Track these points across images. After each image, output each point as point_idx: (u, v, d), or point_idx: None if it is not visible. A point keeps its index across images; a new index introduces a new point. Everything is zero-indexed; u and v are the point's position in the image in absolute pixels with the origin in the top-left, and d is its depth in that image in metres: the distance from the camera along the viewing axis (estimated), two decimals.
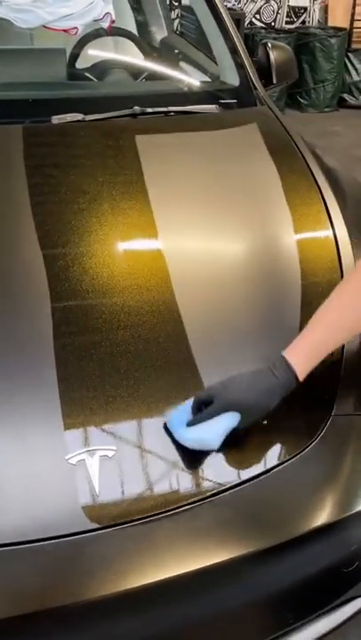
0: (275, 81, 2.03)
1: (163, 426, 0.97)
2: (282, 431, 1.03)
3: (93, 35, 2.05)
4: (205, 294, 1.17)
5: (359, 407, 1.08)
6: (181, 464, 0.95)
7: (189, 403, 0.97)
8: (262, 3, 5.91)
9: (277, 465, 0.98)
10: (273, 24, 5.99)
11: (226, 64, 1.91)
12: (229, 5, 5.16)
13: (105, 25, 1.76)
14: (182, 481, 0.94)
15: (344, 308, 0.99)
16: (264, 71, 2.02)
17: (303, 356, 0.97)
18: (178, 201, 1.37)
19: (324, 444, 1.03)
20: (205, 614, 0.92)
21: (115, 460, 0.92)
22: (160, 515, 0.90)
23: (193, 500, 0.92)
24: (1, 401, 0.96)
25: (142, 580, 0.84)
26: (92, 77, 2.04)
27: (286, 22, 6.04)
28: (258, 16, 5.95)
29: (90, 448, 0.92)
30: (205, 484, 0.94)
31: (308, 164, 1.51)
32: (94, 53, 2.09)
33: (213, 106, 1.70)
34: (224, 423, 0.93)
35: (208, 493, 0.93)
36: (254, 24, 5.90)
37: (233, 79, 1.86)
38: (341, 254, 1.29)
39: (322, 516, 0.97)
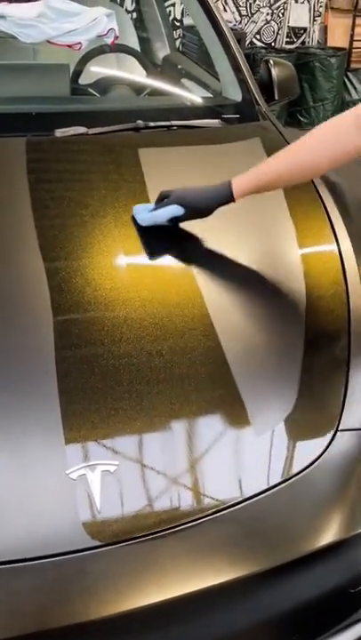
0: (277, 97, 2.04)
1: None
2: (286, 447, 1.01)
3: (97, 51, 2.07)
4: (208, 307, 1.16)
5: None
6: (185, 480, 0.93)
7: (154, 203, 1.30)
8: (263, 23, 5.99)
9: (282, 482, 0.96)
10: (273, 44, 6.06)
11: (228, 80, 1.92)
12: (230, 25, 5.22)
13: (109, 41, 1.77)
14: (186, 497, 0.92)
15: (296, 154, 1.24)
16: (266, 87, 2.04)
17: (244, 182, 1.24)
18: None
19: (329, 460, 1.00)
20: (209, 635, 0.90)
21: (117, 476, 0.90)
22: (163, 532, 0.87)
23: (197, 516, 0.89)
24: (1, 414, 0.94)
25: (145, 601, 0.82)
26: (95, 93, 2.06)
27: (286, 42, 6.12)
28: (258, 36, 6.03)
29: (91, 463, 0.90)
30: (209, 501, 0.92)
31: (312, 180, 1.51)
32: (97, 69, 2.11)
33: (216, 120, 1.71)
34: (171, 211, 1.28)
35: (212, 510, 0.90)
36: (255, 44, 5.97)
37: (235, 95, 1.87)
38: (346, 268, 1.28)
39: (327, 535, 0.94)
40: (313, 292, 1.24)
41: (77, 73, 2.12)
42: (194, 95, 1.95)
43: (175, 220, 1.28)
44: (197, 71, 2.37)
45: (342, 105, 5.78)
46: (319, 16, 6.20)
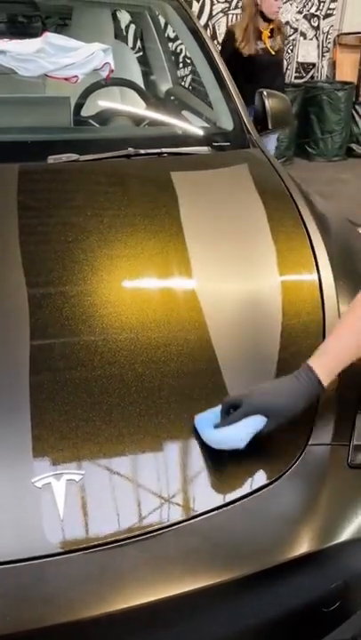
0: (270, 126, 2.10)
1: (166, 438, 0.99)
2: (255, 460, 1.01)
3: (97, 85, 2.16)
4: (185, 331, 1.17)
5: (337, 437, 1.07)
6: (149, 490, 0.94)
7: (218, 408, 1.03)
8: None
9: (249, 494, 0.96)
10: None
11: (221, 110, 1.99)
12: None
13: (104, 74, 1.85)
14: (149, 507, 0.93)
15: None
16: (260, 118, 2.10)
17: (326, 362, 1.02)
18: (163, 239, 1.38)
19: (298, 474, 1.01)
20: None
21: (81, 485, 0.92)
22: (124, 541, 0.88)
23: (159, 527, 0.90)
24: None
25: (102, 609, 0.82)
26: (95, 124, 2.14)
27: (295, 77, 6.27)
28: None
29: (57, 472, 0.92)
30: (173, 511, 0.93)
31: (297, 207, 1.53)
32: (97, 102, 2.20)
33: (206, 148, 1.76)
34: (251, 425, 0.99)
35: (175, 521, 0.91)
36: None
37: (227, 124, 1.93)
38: (325, 298, 1.27)
39: (295, 548, 0.94)
40: (289, 320, 1.23)
41: (79, 105, 2.21)
42: (186, 124, 2.01)
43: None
44: (196, 103, 2.45)
45: (350, 137, 5.89)
46: (328, 52, 6.36)
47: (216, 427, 1.00)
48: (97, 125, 2.12)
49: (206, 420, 1.01)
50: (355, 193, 4.81)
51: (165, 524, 0.91)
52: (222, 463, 0.99)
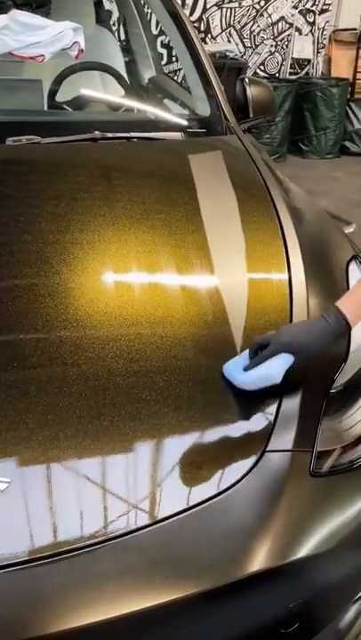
0: (251, 115, 2.01)
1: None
2: (206, 467, 0.92)
3: (71, 69, 2.06)
4: (142, 330, 1.07)
5: (299, 443, 0.97)
6: (85, 500, 0.85)
7: (245, 353, 1.01)
8: (267, 55, 6.06)
9: (195, 505, 0.87)
10: (277, 75, 6.12)
11: (198, 95, 1.89)
12: (232, 55, 5.28)
13: (73, 54, 1.75)
14: (83, 520, 0.83)
15: None
16: (241, 106, 2.01)
17: (353, 303, 1.01)
18: (123, 228, 1.28)
19: (253, 483, 0.91)
20: None
21: (7, 494, 0.82)
22: (53, 557, 0.79)
23: (93, 542, 0.81)
24: None
25: (25, 634, 0.73)
26: (69, 109, 2.04)
27: (290, 73, 6.18)
28: (262, 67, 6.10)
29: None
30: (109, 525, 0.83)
31: (271, 197, 1.43)
32: (72, 87, 2.10)
33: (179, 134, 1.66)
34: (282, 362, 0.97)
35: (111, 535, 0.82)
36: (258, 75, 6.03)
37: (204, 110, 1.84)
38: (294, 295, 1.18)
39: (248, 565, 0.85)
40: (255, 318, 1.14)
41: (54, 90, 2.11)
42: (160, 110, 1.92)
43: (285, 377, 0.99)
44: (178, 91, 2.35)
45: (344, 134, 5.79)
46: (323, 48, 6.26)
47: (246, 370, 0.98)
48: (69, 109, 2.03)
49: (235, 365, 1.00)
50: (346, 192, 4.72)
51: (100, 539, 0.81)
52: (165, 471, 0.90)
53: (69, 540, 0.81)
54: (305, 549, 0.88)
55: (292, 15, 5.94)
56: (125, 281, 1.21)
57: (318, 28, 6.15)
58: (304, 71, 6.25)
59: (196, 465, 0.91)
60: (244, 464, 0.92)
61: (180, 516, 0.85)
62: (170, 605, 0.79)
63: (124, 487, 0.87)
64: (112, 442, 0.91)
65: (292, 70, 6.20)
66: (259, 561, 0.85)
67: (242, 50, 5.90)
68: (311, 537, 0.90)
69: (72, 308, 1.08)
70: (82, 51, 1.74)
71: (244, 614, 0.88)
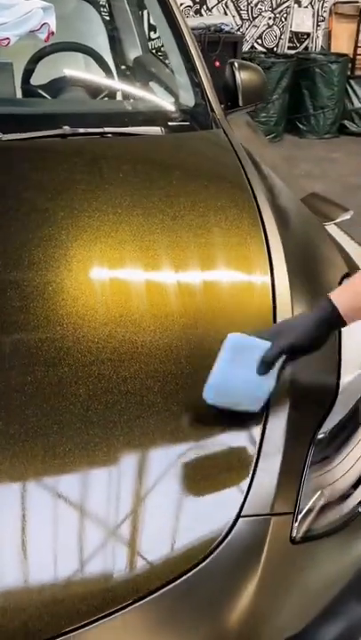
0: (241, 103, 1.84)
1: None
2: (168, 543, 0.80)
3: (44, 51, 1.89)
4: (122, 333, 0.99)
5: (277, 506, 0.85)
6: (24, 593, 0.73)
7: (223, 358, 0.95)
8: (264, 28, 5.81)
9: (153, 591, 0.74)
10: (275, 49, 5.88)
11: (182, 83, 1.73)
12: (227, 29, 5.03)
13: (42, 37, 1.58)
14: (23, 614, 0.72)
15: None
16: (230, 93, 1.84)
17: (345, 296, 0.96)
18: (100, 233, 1.17)
19: (227, 551, 0.80)
20: None
21: None
22: None
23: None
24: None
25: None
26: (45, 95, 1.88)
27: (289, 48, 5.93)
28: (260, 41, 5.85)
29: None
30: (54, 620, 0.71)
31: (257, 202, 1.30)
32: (47, 70, 1.93)
33: (158, 128, 1.51)
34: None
35: (57, 632, 0.70)
36: (255, 48, 5.79)
37: (188, 100, 1.68)
38: (277, 295, 1.11)
39: None
40: (238, 320, 1.06)
41: (28, 72, 1.94)
42: (141, 99, 1.75)
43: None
44: (165, 74, 2.17)
45: (344, 113, 5.57)
46: (323, 21, 6.00)
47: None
48: (47, 96, 1.86)
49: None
50: (344, 173, 4.54)
51: (51, 634, 0.69)
52: (120, 553, 0.77)
53: None
54: (284, 634, 0.78)
55: None
56: (96, 290, 1.09)
57: (318, 0, 5.89)
58: (303, 45, 6.00)
59: (159, 541, 0.78)
60: (213, 535, 0.80)
61: (134, 606, 0.73)
62: None
63: (76, 572, 0.75)
64: (74, 507, 0.79)
65: (290, 44, 5.95)
66: None
67: (238, 22, 5.64)
68: (291, 618, 0.79)
69: (37, 310, 0.97)
70: (52, 33, 1.57)
71: None
